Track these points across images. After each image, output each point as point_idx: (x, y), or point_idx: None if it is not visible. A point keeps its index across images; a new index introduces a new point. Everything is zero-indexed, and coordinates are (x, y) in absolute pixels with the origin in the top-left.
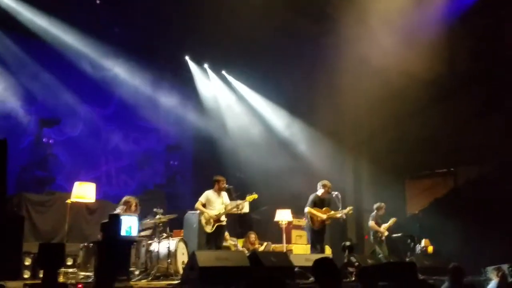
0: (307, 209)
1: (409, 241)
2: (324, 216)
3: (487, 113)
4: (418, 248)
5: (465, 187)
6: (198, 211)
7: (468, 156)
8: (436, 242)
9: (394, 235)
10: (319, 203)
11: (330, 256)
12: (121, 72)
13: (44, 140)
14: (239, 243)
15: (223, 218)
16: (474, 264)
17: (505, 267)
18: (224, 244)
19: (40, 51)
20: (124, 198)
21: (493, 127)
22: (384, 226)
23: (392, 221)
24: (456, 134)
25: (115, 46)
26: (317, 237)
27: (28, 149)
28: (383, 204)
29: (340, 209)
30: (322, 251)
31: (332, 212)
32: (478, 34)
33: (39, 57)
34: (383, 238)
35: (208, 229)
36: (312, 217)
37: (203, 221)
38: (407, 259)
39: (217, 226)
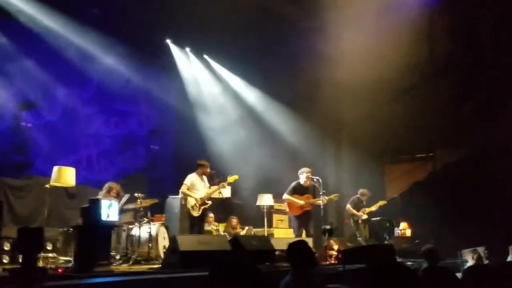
0: (284, 196)
1: (387, 224)
2: (301, 202)
3: (465, 98)
4: (397, 231)
5: (443, 171)
6: (179, 196)
7: (447, 140)
8: (415, 225)
9: (374, 218)
10: (300, 191)
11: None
12: (101, 55)
13: (22, 124)
14: (221, 228)
15: (208, 201)
16: (451, 246)
17: (481, 249)
18: (206, 228)
19: (17, 33)
20: (107, 184)
21: (470, 111)
22: (364, 209)
23: (378, 204)
24: (435, 119)
25: (95, 28)
26: (297, 223)
27: (6, 133)
28: (366, 191)
29: (321, 194)
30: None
31: (312, 199)
32: (457, 20)
33: (16, 39)
34: (360, 221)
35: (195, 213)
36: (289, 204)
37: (190, 205)
38: (386, 242)
39: (203, 210)
